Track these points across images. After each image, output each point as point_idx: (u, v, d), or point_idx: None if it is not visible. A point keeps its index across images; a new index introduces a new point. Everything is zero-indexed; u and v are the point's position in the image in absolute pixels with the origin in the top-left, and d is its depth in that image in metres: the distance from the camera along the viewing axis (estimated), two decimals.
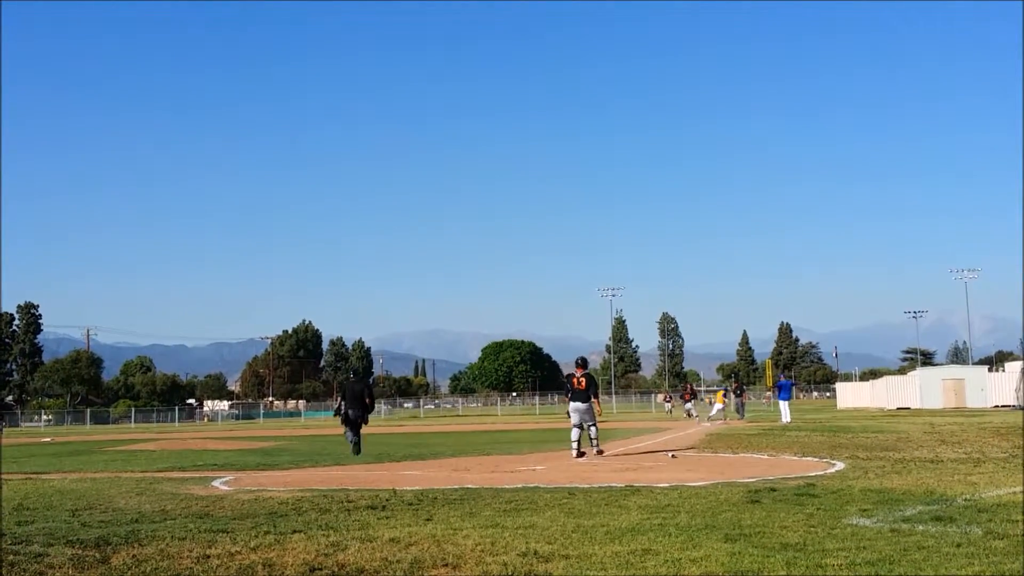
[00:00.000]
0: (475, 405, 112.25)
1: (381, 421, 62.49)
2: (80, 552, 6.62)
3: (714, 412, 36.60)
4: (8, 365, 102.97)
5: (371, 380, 22.90)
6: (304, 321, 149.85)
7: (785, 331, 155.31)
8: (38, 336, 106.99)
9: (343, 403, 18.97)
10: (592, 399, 15.73)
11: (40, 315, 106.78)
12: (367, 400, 19.00)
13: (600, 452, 15.89)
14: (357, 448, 18.35)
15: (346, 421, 18.75)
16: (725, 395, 38.72)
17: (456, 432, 33.26)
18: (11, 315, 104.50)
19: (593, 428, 15.80)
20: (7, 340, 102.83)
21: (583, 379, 15.73)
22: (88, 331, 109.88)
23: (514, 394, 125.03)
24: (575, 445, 15.64)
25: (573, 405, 15.75)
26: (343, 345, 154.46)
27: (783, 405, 31.82)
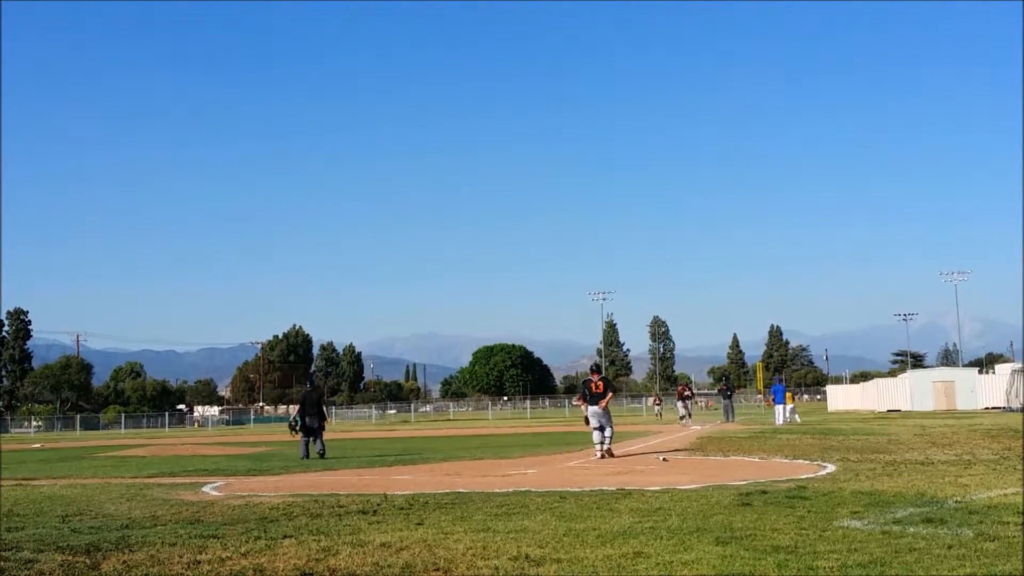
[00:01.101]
0: (466, 409, 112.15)
1: (372, 426, 62.43)
2: (70, 558, 6.59)
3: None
4: None
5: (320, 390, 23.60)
6: (295, 326, 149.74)
7: (775, 334, 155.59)
8: (27, 342, 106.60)
9: (301, 412, 19.43)
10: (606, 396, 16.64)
11: (29, 321, 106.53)
12: (323, 408, 19.70)
13: (610, 454, 16.38)
14: (321, 454, 18.72)
15: (304, 429, 19.16)
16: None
17: (447, 436, 33.23)
18: (0, 321, 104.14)
19: (608, 429, 16.41)
20: None
21: (600, 383, 16.62)
22: (78, 337, 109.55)
23: (505, 398, 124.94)
24: (599, 447, 16.32)
25: (592, 409, 16.48)
26: (334, 350, 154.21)
27: (777, 408, 32.18)
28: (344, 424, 71.29)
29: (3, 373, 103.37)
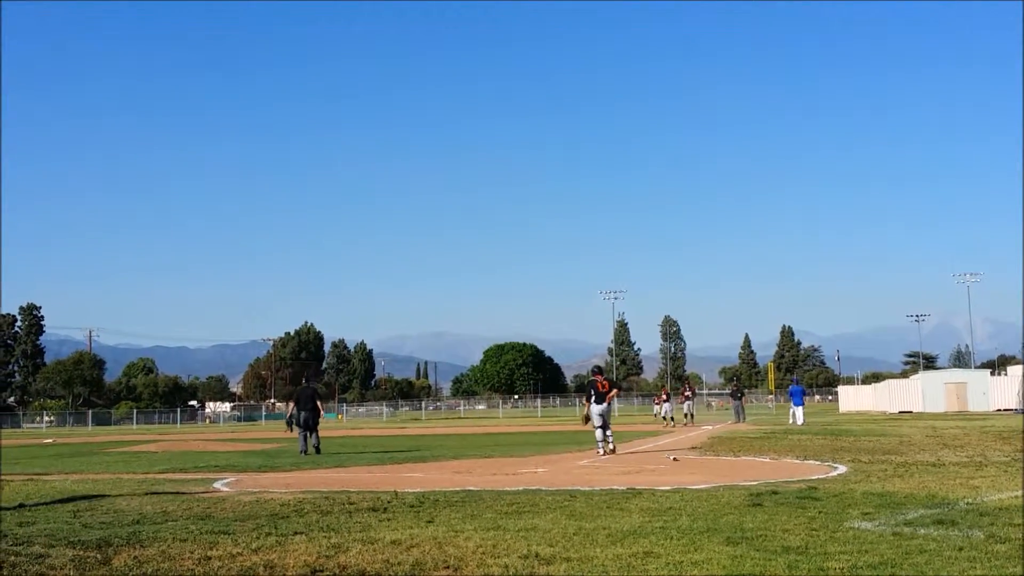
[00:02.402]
0: (478, 407, 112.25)
1: (383, 423, 62.53)
2: (81, 553, 6.62)
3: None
4: (10, 366, 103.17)
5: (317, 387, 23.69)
6: (306, 323, 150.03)
7: (787, 334, 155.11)
8: (40, 337, 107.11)
9: (296, 408, 19.46)
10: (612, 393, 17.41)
11: (42, 316, 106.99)
12: (318, 403, 19.71)
13: (613, 451, 16.92)
14: (317, 448, 18.87)
15: (300, 424, 19.25)
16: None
17: (458, 434, 33.24)
18: (13, 317, 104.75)
19: (608, 428, 17.05)
20: (9, 342, 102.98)
21: (605, 382, 17.41)
22: (91, 332, 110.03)
23: (516, 396, 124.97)
24: (601, 445, 16.97)
25: (596, 408, 17.07)
26: (345, 347, 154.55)
27: (795, 410, 32.05)
28: (355, 421, 71.42)
29: (16, 368, 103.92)
